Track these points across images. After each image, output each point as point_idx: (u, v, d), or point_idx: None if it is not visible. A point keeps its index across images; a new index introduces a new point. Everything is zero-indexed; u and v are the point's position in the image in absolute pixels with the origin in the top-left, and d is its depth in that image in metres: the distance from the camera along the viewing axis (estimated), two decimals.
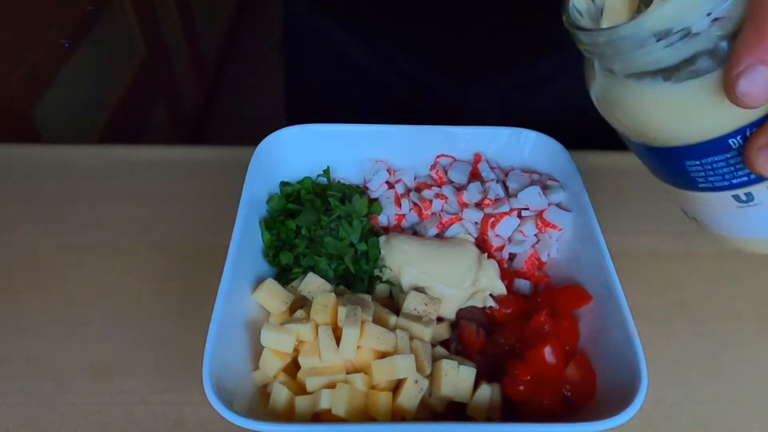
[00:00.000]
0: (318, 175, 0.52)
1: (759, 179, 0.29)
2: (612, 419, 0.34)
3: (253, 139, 0.50)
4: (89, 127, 1.29)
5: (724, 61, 0.26)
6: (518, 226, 0.48)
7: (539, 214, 0.48)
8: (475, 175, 0.52)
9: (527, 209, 0.49)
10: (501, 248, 0.48)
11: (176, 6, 1.71)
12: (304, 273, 0.44)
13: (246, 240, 0.44)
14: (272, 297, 0.42)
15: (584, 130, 0.63)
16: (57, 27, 1.12)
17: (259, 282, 0.43)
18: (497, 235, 0.48)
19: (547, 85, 0.66)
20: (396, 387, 0.39)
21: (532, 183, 0.50)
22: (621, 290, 0.40)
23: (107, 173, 0.61)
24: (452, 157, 0.54)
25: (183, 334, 0.47)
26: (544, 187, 0.49)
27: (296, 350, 0.40)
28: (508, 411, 0.40)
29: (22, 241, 0.54)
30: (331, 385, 0.38)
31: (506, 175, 0.52)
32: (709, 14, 0.25)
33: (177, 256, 0.53)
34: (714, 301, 0.51)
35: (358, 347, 0.39)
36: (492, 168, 0.52)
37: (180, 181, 0.60)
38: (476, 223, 0.49)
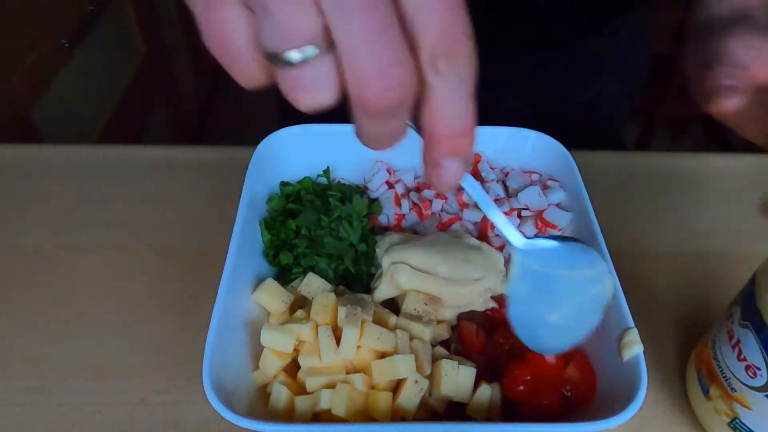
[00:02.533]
0: (318, 175, 0.52)
1: None
2: (612, 419, 0.34)
3: (253, 139, 0.50)
4: (89, 127, 1.29)
5: None
6: (518, 226, 0.48)
7: (539, 214, 0.48)
8: (475, 175, 0.52)
9: (527, 209, 0.49)
10: (501, 248, 0.48)
11: (176, 6, 1.71)
12: (304, 273, 0.44)
13: (246, 240, 0.44)
14: (272, 297, 0.42)
15: (585, 130, 0.62)
16: (57, 27, 1.12)
17: (259, 282, 0.43)
18: (497, 235, 0.48)
19: (526, 84, 0.65)
20: (396, 387, 0.39)
21: (532, 183, 0.50)
22: (621, 290, 0.40)
23: (107, 173, 0.61)
24: None
25: (183, 334, 0.47)
26: (544, 187, 0.49)
27: (296, 350, 0.40)
28: (508, 411, 0.40)
29: (22, 241, 0.54)
30: (331, 385, 0.38)
31: (506, 175, 0.52)
32: None
33: (177, 256, 0.53)
34: (714, 301, 0.51)
35: (358, 347, 0.39)
36: (492, 168, 0.52)
37: (180, 181, 0.60)
38: (476, 223, 0.49)
